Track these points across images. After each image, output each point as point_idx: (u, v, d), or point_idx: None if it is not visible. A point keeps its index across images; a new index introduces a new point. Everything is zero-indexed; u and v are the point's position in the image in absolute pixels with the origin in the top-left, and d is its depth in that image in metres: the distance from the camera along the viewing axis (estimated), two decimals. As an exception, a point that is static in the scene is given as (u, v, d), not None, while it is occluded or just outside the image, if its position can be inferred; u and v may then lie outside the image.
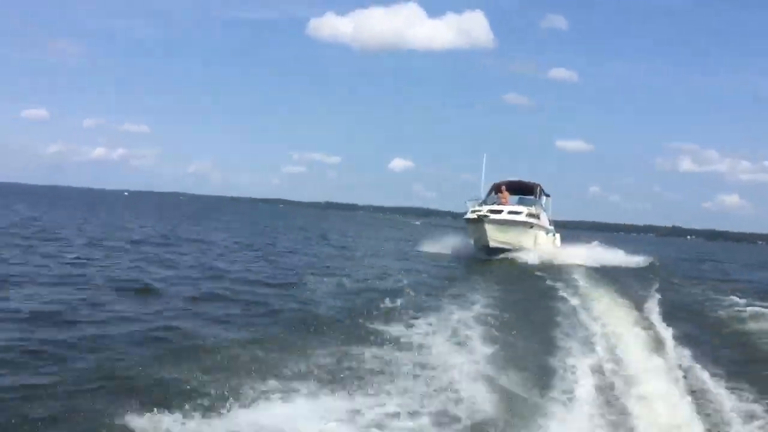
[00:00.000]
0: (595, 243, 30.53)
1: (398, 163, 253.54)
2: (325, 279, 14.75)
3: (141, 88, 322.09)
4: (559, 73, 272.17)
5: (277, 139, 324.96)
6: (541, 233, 26.56)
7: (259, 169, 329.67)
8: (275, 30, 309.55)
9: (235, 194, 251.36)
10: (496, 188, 27.88)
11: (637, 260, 28.20)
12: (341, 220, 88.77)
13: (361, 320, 9.42)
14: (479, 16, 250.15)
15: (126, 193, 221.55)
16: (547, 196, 30.40)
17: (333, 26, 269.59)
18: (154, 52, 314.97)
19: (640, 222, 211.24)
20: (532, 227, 25.57)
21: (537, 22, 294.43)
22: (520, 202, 27.34)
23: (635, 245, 38.55)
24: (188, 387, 5.95)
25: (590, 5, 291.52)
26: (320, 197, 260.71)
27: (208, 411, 5.43)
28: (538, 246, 26.41)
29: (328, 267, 18.65)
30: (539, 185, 28.63)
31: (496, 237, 24.45)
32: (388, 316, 9.88)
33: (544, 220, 27.93)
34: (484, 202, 26.91)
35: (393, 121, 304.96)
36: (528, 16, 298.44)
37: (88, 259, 15.50)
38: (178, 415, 5.28)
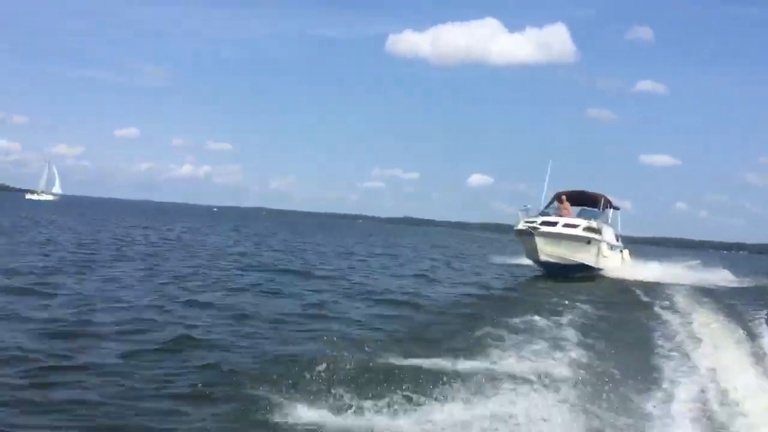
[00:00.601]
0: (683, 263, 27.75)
1: (477, 179, 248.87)
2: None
3: (224, 108, 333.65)
4: (645, 85, 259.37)
5: (355, 156, 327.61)
6: (604, 248, 23.68)
7: (338, 185, 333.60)
8: (353, 47, 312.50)
9: (314, 209, 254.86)
10: (558, 198, 25.30)
11: (727, 278, 26.06)
12: (446, 237, 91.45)
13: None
14: (561, 30, 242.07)
15: (215, 209, 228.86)
16: (615, 209, 27.57)
17: (411, 42, 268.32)
18: (236, 72, 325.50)
19: (730, 239, 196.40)
20: (590, 242, 22.82)
21: (621, 34, 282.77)
22: (581, 214, 24.63)
23: (729, 262, 36.50)
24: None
25: (678, 15, 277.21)
26: (398, 212, 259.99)
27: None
28: (602, 262, 23.67)
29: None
30: (604, 197, 25.84)
31: (547, 251, 21.99)
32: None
33: (609, 234, 25.11)
34: (545, 212, 24.36)
35: (472, 136, 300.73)
36: (612, 28, 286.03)
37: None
38: None
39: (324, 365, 6.76)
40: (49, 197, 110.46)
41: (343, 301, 13.17)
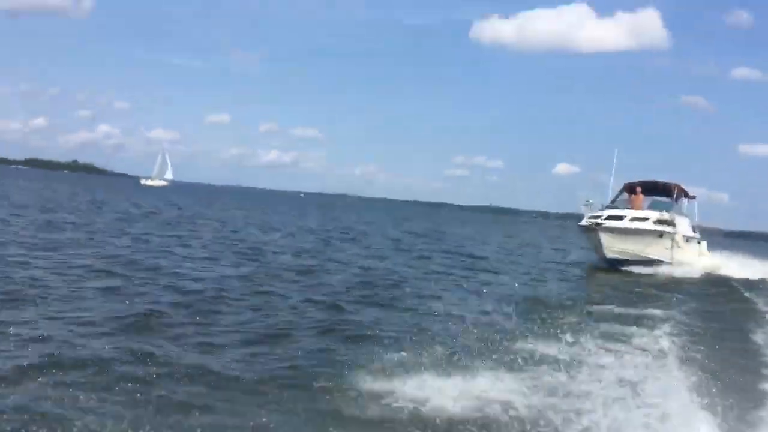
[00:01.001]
0: None
1: (563, 168, 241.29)
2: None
3: (311, 95, 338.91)
4: (742, 72, 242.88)
5: (439, 143, 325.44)
6: (680, 241, 22.48)
7: (422, 171, 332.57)
8: (438, 34, 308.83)
9: (397, 197, 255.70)
10: (629, 189, 24.15)
11: None
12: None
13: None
14: (653, 15, 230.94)
15: (302, 195, 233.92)
16: (691, 198, 26.05)
17: (497, 29, 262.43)
18: (323, 58, 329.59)
19: None
20: (662, 236, 21.73)
21: (717, 20, 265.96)
22: (653, 206, 23.41)
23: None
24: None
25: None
26: (481, 201, 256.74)
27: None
28: (677, 255, 22.51)
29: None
30: (678, 186, 24.43)
31: (614, 247, 21.14)
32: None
33: (684, 226, 23.76)
34: (613, 205, 23.42)
35: (559, 125, 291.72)
36: (707, 13, 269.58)
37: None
38: None
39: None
40: (162, 183, 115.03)
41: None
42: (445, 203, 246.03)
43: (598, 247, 21.41)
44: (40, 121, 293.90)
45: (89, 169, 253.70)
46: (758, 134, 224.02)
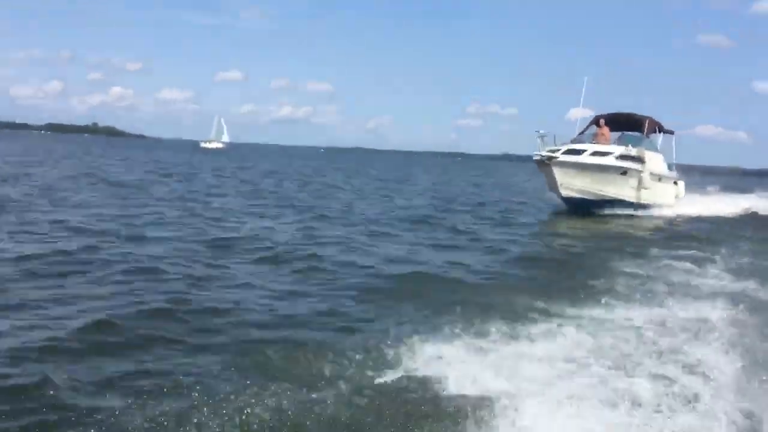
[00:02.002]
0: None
1: (575, 113, 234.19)
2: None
3: (323, 49, 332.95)
4: (762, 6, 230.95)
5: (452, 93, 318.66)
6: (647, 180, 20.64)
7: (436, 123, 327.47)
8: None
9: (410, 148, 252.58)
10: (596, 121, 22.17)
11: None
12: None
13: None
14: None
15: (322, 150, 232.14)
16: (668, 133, 24.01)
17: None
18: (334, 10, 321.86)
19: None
20: (625, 172, 19.93)
21: None
22: (621, 140, 21.50)
23: None
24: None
25: None
26: (497, 149, 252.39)
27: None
28: (645, 196, 20.77)
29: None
30: (650, 119, 22.39)
31: (569, 184, 19.44)
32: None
33: (657, 163, 21.89)
34: (578, 139, 21.49)
35: (572, 68, 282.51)
36: None
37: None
38: None
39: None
40: (220, 145, 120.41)
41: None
42: (461, 153, 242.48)
43: (552, 184, 19.73)
44: (54, 85, 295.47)
45: (110, 132, 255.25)
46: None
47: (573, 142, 20.93)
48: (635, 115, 22.49)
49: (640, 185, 20.72)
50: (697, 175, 26.94)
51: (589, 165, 19.34)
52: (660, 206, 21.78)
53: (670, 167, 23.38)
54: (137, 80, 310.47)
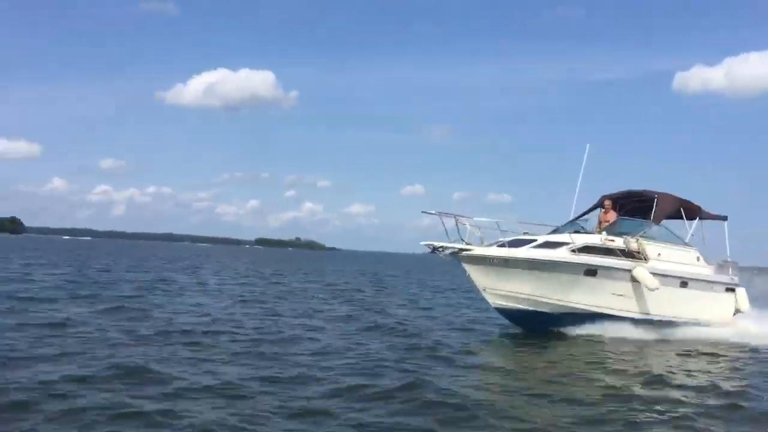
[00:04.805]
0: None
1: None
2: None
3: (502, 162, 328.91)
4: None
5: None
6: (650, 282, 13.62)
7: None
8: (633, 86, 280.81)
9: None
10: (600, 203, 15.71)
11: None
12: None
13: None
14: None
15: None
16: (712, 219, 16.45)
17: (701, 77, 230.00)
18: (509, 123, 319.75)
19: None
20: (594, 272, 13.32)
21: None
22: (619, 226, 14.78)
23: None
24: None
25: None
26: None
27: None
28: (653, 307, 13.98)
29: None
30: (667, 197, 15.36)
31: (498, 288, 13.27)
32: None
33: (678, 259, 14.75)
34: (574, 224, 15.11)
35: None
36: None
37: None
38: None
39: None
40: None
41: None
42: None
43: (477, 287, 13.62)
44: (253, 204, 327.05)
45: (311, 245, 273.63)
46: None
47: (559, 230, 14.68)
48: (646, 192, 15.66)
49: (635, 291, 13.81)
50: None
51: (520, 261, 13.04)
52: (696, 322, 14.50)
53: (722, 268, 15.74)
54: (326, 196, 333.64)
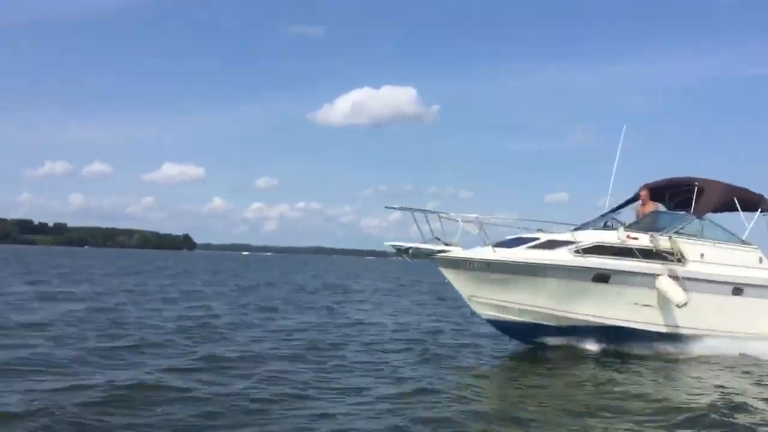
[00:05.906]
0: None
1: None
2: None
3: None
4: None
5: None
6: (678, 293, 11.27)
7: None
8: None
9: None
10: (639, 195, 13.36)
11: None
12: None
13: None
14: None
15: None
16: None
17: None
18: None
19: None
20: (606, 278, 11.23)
21: None
22: (654, 219, 12.47)
23: None
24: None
25: None
26: None
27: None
28: (687, 321, 11.65)
29: None
30: (714, 184, 12.74)
31: (486, 297, 11.50)
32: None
33: (727, 261, 12.14)
34: (610, 217, 12.88)
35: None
36: None
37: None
38: None
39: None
40: None
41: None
42: None
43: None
44: (395, 216, 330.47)
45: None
46: None
47: (578, 228, 12.59)
48: (691, 180, 13.05)
49: (662, 301, 11.47)
50: None
51: (508, 265, 11.19)
52: (755, 337, 11.88)
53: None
54: (468, 207, 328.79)
